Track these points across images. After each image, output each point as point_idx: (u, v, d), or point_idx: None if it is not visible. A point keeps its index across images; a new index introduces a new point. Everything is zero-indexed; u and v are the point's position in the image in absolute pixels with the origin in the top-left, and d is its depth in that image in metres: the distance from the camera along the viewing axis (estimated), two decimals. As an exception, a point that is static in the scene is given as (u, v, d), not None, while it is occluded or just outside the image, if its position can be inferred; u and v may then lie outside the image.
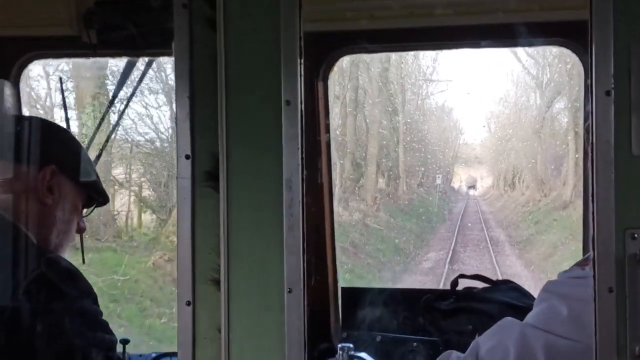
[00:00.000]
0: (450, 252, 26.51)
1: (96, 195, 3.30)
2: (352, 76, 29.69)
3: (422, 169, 39.91)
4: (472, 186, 55.11)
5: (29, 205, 3.00)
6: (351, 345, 3.60)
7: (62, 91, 4.18)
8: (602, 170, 2.01)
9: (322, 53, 3.85)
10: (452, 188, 51.43)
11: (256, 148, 2.25)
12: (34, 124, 3.15)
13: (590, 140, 2.02)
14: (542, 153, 37.32)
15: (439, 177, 41.49)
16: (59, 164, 3.05)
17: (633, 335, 2.04)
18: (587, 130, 2.70)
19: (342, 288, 4.28)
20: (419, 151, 38.73)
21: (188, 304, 2.29)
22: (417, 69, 38.00)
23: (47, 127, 3.24)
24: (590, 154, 2.03)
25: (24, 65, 4.06)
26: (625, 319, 2.03)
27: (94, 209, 3.35)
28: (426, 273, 23.76)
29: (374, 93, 33.30)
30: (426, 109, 42.63)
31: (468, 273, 4.15)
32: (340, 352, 3.58)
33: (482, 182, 56.03)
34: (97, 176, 3.34)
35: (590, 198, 2.03)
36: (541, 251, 26.60)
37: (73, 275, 2.94)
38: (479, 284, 4.09)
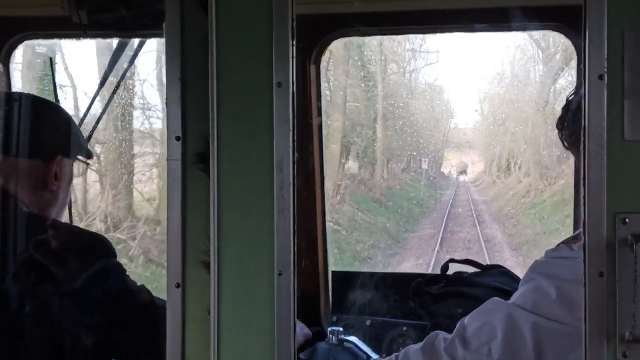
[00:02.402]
0: (432, 262, 20.27)
1: (84, 156, 3.36)
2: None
3: (409, 152, 36.27)
4: (463, 171, 54.85)
5: (32, 191, 3.04)
6: (341, 329, 3.61)
7: (53, 72, 4.13)
8: (594, 155, 2.01)
9: (314, 36, 3.84)
10: (442, 174, 49.72)
11: (247, 130, 2.23)
12: (28, 103, 3.16)
13: (583, 125, 2.01)
14: (547, 135, 31.22)
15: (424, 161, 38.07)
16: (62, 150, 3.09)
17: (623, 320, 2.04)
18: (562, 120, 2.71)
19: (333, 272, 4.29)
20: (404, 132, 34.42)
21: (177, 285, 2.29)
22: (403, 38, 32.97)
23: (43, 108, 3.24)
24: (582, 138, 2.03)
25: (14, 46, 4.03)
26: (615, 304, 2.03)
27: (87, 168, 3.40)
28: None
29: (338, 53, 26.17)
30: (413, 85, 38.40)
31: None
32: (330, 336, 3.60)
33: (474, 167, 55.08)
34: (83, 137, 3.36)
35: (582, 182, 2.03)
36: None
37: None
38: (470, 269, 4.10)
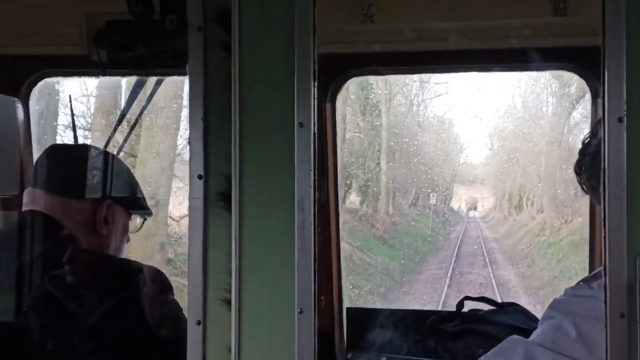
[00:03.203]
0: (440, 308, 17.65)
1: (142, 213, 3.49)
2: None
3: (417, 187, 35.04)
4: (473, 207, 54.61)
5: (85, 234, 3.11)
6: (357, 366, 3.60)
7: (72, 110, 4.19)
8: (614, 197, 2.02)
9: (331, 75, 3.87)
10: (451, 209, 49.05)
11: (268, 169, 2.26)
12: (87, 153, 3.28)
13: (603, 167, 2.03)
14: (562, 169, 29.71)
15: (433, 196, 36.69)
16: (112, 197, 3.18)
17: (643, 361, 2.04)
18: (580, 164, 2.72)
19: (348, 308, 4.28)
20: (411, 166, 32.86)
21: (198, 323, 2.30)
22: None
23: (103, 158, 3.34)
24: (602, 180, 2.04)
25: (33, 84, 4.08)
26: (637, 345, 2.04)
27: (142, 225, 3.47)
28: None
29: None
30: (421, 118, 37.27)
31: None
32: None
33: (484, 202, 54.64)
34: (143, 197, 3.47)
35: (602, 224, 2.05)
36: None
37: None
38: (485, 306, 4.09)
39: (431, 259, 27.90)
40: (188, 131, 2.33)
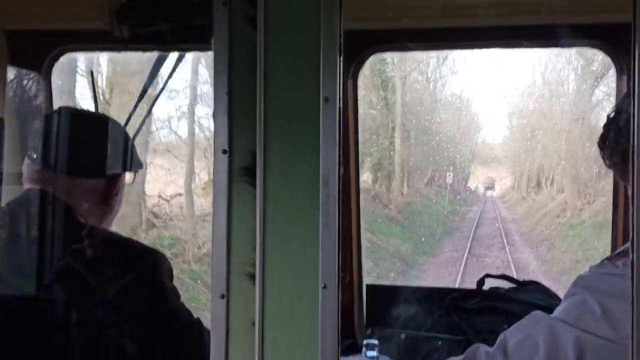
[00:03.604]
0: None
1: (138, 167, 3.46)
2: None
3: (433, 166, 34.25)
4: (490, 187, 54.36)
5: (93, 206, 3.11)
6: (376, 342, 3.61)
7: (94, 86, 4.20)
8: (642, 172, 2.01)
9: (353, 51, 3.87)
10: (469, 188, 48.39)
11: (293, 144, 2.26)
12: (93, 122, 3.26)
13: (632, 143, 2.01)
14: (585, 147, 28.13)
15: (449, 175, 35.92)
16: (125, 168, 3.17)
17: (670, 338, 2.03)
18: (604, 139, 2.69)
19: (367, 285, 4.30)
20: (430, 145, 32.25)
21: (222, 297, 2.31)
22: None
23: (106, 126, 3.32)
24: (631, 156, 2.02)
25: (55, 59, 4.10)
26: (664, 322, 2.03)
27: (134, 179, 3.46)
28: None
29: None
30: (440, 95, 35.92)
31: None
32: (366, 349, 3.60)
33: (501, 182, 54.16)
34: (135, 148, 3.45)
35: (631, 200, 2.03)
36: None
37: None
38: (506, 284, 4.09)
39: (446, 241, 26.86)
40: (213, 106, 2.34)
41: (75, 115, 3.35)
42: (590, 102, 30.64)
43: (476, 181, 53.29)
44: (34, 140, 3.22)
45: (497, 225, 32.06)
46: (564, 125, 33.39)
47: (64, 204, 3.04)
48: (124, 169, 3.24)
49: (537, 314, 2.72)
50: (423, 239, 24.93)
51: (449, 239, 27.39)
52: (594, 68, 29.61)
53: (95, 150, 3.20)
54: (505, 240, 27.42)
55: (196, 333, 2.96)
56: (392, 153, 30.55)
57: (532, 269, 22.17)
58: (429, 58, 32.90)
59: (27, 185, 3.11)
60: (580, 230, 25.53)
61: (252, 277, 2.28)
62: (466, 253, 23.79)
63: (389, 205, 27.96)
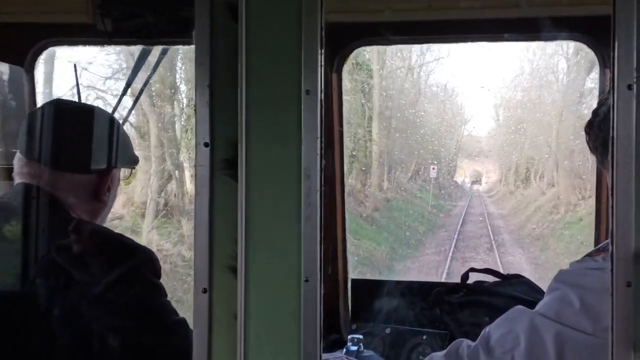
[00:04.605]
0: None
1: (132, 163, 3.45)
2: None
3: (417, 160, 32.93)
4: (477, 181, 54.24)
5: (85, 202, 3.09)
6: (361, 337, 3.61)
7: (77, 79, 4.17)
8: (622, 164, 2.01)
9: (337, 44, 3.86)
10: (454, 183, 47.53)
11: (275, 136, 2.25)
12: (85, 115, 3.23)
13: (612, 134, 2.02)
14: (578, 140, 25.06)
15: (433, 169, 34.30)
16: (116, 163, 3.16)
17: (649, 330, 2.04)
18: (590, 125, 2.71)
19: (352, 279, 4.30)
20: (412, 137, 31.00)
21: (204, 291, 2.30)
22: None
23: (100, 121, 3.28)
24: (610, 148, 2.03)
25: (38, 53, 4.07)
26: (643, 314, 2.03)
27: (131, 174, 3.44)
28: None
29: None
30: (422, 85, 34.51)
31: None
32: (350, 344, 3.60)
33: (488, 176, 53.66)
34: (131, 143, 3.43)
35: (610, 192, 2.04)
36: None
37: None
38: (490, 278, 4.10)
39: (428, 241, 24.51)
40: (194, 99, 2.32)
41: (70, 108, 3.32)
42: (582, 89, 29.35)
43: (462, 175, 53.07)
44: (23, 134, 3.18)
45: (484, 222, 29.96)
46: (554, 115, 32.11)
47: (56, 199, 3.02)
48: (116, 165, 3.21)
49: (519, 308, 2.74)
50: (401, 242, 22.86)
51: (432, 238, 25.35)
52: (583, 60, 28.54)
53: (86, 144, 3.18)
54: (492, 239, 25.34)
55: (181, 332, 2.94)
56: (368, 145, 28.47)
57: (526, 275, 19.99)
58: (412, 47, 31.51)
59: (18, 180, 3.09)
60: (576, 228, 23.67)
61: (234, 270, 2.27)
62: (449, 255, 21.68)
63: (364, 202, 25.55)
